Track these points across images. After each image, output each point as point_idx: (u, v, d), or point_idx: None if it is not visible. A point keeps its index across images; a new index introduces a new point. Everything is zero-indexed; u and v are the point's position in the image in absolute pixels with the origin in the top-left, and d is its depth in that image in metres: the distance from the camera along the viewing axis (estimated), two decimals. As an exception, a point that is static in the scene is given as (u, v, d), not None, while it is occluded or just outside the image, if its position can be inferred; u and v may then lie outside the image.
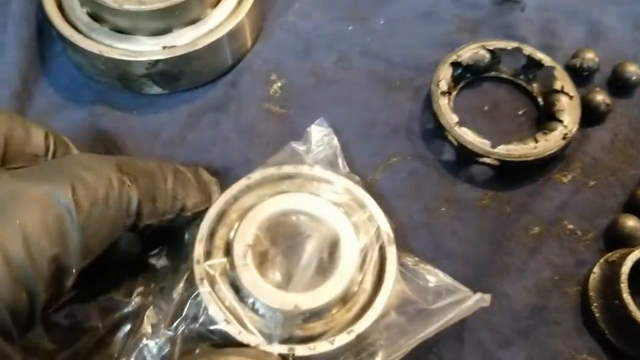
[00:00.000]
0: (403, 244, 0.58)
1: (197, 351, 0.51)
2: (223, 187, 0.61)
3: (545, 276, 0.59)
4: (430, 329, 0.49)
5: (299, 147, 0.61)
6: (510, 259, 0.60)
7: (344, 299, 0.52)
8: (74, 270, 0.40)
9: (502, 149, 0.63)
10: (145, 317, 0.52)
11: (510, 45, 0.71)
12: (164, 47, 0.66)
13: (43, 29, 0.74)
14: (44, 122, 0.66)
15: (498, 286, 0.58)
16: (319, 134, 0.62)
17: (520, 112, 0.71)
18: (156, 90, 0.70)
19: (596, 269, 0.59)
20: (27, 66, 0.70)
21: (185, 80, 0.70)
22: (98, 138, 0.67)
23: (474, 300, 0.50)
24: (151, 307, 0.53)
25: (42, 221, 0.38)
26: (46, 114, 0.69)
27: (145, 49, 0.66)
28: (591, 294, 0.57)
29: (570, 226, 0.62)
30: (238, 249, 0.52)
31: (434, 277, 0.54)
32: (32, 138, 0.48)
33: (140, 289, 0.54)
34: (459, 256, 0.60)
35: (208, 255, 0.53)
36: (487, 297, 0.50)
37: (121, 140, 0.67)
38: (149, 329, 0.52)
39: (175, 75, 0.68)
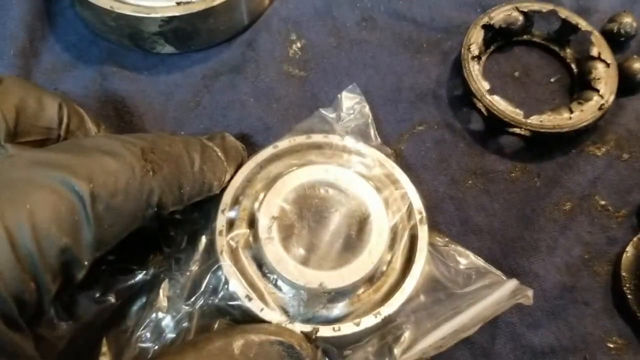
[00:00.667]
0: (428, 218, 0.56)
1: (215, 326, 0.49)
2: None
3: (575, 254, 0.57)
4: (464, 319, 0.47)
5: (329, 114, 0.58)
6: (540, 235, 0.58)
7: (372, 279, 0.49)
8: (85, 263, 0.37)
9: (535, 119, 0.60)
10: (160, 290, 0.50)
11: (545, 7, 0.67)
12: (179, 3, 0.62)
13: (49, -18, 0.70)
14: (51, 81, 0.64)
15: (527, 264, 0.56)
16: (350, 102, 0.58)
17: (552, 79, 0.67)
18: (168, 49, 0.66)
19: (629, 248, 0.56)
20: (33, 22, 0.66)
21: (199, 40, 0.66)
22: (108, 99, 0.64)
23: (510, 291, 0.48)
24: (167, 279, 0.51)
25: (54, 209, 0.35)
26: (53, 72, 0.65)
27: (159, 4, 0.62)
28: (623, 274, 0.55)
29: (602, 202, 0.60)
30: (263, 221, 0.50)
31: (465, 258, 0.52)
32: (45, 110, 0.45)
33: (155, 259, 0.52)
34: (486, 232, 0.58)
35: (230, 226, 0.50)
36: (530, 293, 0.48)
37: (132, 102, 0.64)
38: (165, 303, 0.50)
39: (189, 34, 0.64)
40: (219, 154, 0.51)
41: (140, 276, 0.51)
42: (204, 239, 0.51)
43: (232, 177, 0.52)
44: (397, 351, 0.48)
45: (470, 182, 0.61)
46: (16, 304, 0.34)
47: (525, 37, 0.69)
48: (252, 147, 0.60)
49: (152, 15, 0.61)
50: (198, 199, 0.47)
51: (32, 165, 0.37)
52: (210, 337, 0.42)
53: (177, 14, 0.62)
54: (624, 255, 0.56)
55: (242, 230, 0.50)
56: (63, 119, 0.46)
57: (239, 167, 0.53)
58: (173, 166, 0.44)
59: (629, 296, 0.54)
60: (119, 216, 0.39)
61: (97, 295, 0.50)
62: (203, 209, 0.53)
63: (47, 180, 0.36)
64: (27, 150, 0.39)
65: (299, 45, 0.68)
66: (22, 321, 0.35)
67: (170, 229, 0.53)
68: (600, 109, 0.61)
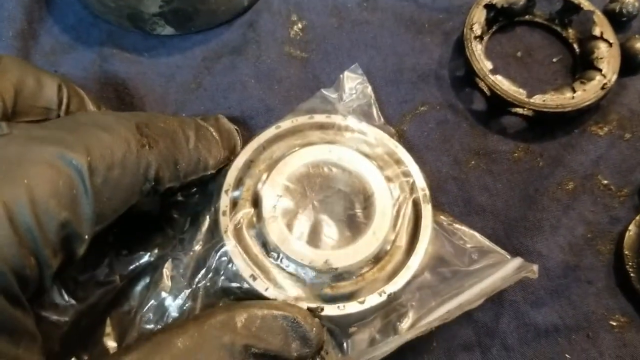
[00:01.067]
0: (431, 199, 0.56)
1: (219, 305, 0.49)
2: (242, 137, 0.58)
3: (578, 233, 0.57)
4: (469, 296, 0.46)
5: (330, 94, 0.58)
6: (543, 215, 0.57)
7: (376, 258, 0.49)
8: (86, 237, 0.37)
9: (538, 99, 0.60)
10: (164, 270, 0.50)
11: (547, -14, 0.67)
12: (178, -17, 0.61)
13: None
14: (50, 63, 0.63)
15: (530, 244, 0.56)
16: (353, 82, 0.58)
17: (554, 59, 0.67)
18: (168, 30, 0.66)
19: (632, 227, 0.57)
20: (31, 3, 0.66)
21: (199, 21, 0.65)
22: (108, 81, 0.64)
23: (515, 268, 0.48)
24: (170, 259, 0.51)
25: (52, 184, 0.35)
26: (52, 54, 0.65)
27: (158, -15, 0.61)
28: (626, 252, 0.55)
29: (605, 181, 0.60)
30: (267, 201, 0.50)
31: (470, 237, 0.51)
32: (44, 90, 0.44)
33: (158, 240, 0.52)
34: (490, 212, 0.58)
35: (234, 206, 0.50)
36: (535, 268, 0.48)
37: (132, 84, 0.64)
38: (168, 282, 0.50)
39: (190, 15, 0.64)
40: (214, 133, 0.51)
41: (144, 258, 0.51)
42: (207, 219, 0.51)
43: (228, 159, 0.51)
44: (401, 327, 0.48)
45: (473, 162, 0.60)
46: (17, 280, 0.34)
47: (527, 17, 0.69)
48: (253, 129, 0.60)
49: (152, -5, 0.61)
50: (194, 177, 0.47)
51: (28, 142, 0.37)
52: (212, 312, 0.42)
53: (177, -6, 0.61)
54: (627, 234, 0.56)
55: (246, 210, 0.50)
56: (63, 100, 0.46)
57: (233, 149, 0.53)
58: (168, 141, 0.44)
59: (631, 275, 0.54)
60: (117, 189, 0.39)
61: (101, 277, 0.50)
62: (205, 190, 0.53)
63: (44, 156, 0.36)
64: (23, 128, 0.39)
65: (300, 26, 0.67)
66: (24, 298, 0.35)
67: (173, 211, 0.54)
68: (602, 88, 0.61)
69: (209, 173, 0.49)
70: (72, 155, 0.36)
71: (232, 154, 0.52)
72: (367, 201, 0.51)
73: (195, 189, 0.54)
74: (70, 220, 0.36)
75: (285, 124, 0.54)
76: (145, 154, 0.41)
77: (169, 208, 0.53)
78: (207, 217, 0.51)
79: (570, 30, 0.68)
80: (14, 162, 0.35)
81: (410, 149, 0.58)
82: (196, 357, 0.38)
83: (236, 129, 0.54)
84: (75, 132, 0.39)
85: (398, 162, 0.54)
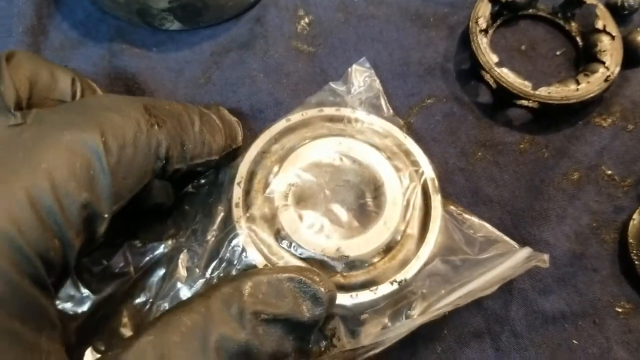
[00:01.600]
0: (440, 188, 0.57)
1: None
2: (251, 130, 0.59)
3: (583, 223, 0.58)
4: (479, 284, 0.47)
5: (339, 87, 0.59)
6: (550, 205, 0.58)
7: (387, 247, 0.50)
8: (106, 215, 0.38)
9: (543, 91, 0.61)
10: (179, 261, 0.51)
11: (551, -20, 0.68)
12: (187, -21, 0.62)
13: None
14: (60, 59, 0.64)
15: (537, 233, 0.57)
16: (361, 75, 0.59)
17: (558, 53, 0.68)
18: (177, 26, 0.66)
19: (635, 216, 0.58)
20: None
21: (207, 16, 0.66)
22: (118, 76, 0.64)
23: (524, 258, 0.48)
24: (185, 250, 0.51)
25: (70, 165, 0.36)
26: (62, 50, 0.65)
27: (168, -20, 0.62)
28: (630, 241, 0.56)
29: (609, 171, 0.61)
30: (279, 191, 0.51)
31: (480, 227, 0.52)
32: (58, 83, 0.45)
33: (171, 232, 0.53)
34: (497, 202, 0.59)
35: (246, 197, 0.51)
36: (546, 257, 0.49)
37: (142, 79, 0.64)
38: (184, 273, 0.51)
39: (198, 10, 0.65)
40: (217, 121, 0.51)
41: (158, 249, 0.52)
42: (220, 210, 0.52)
43: (230, 147, 0.51)
44: (412, 314, 0.49)
45: (479, 154, 0.61)
46: (42, 264, 0.34)
47: (530, 11, 0.70)
48: (263, 122, 0.61)
49: (161, -9, 0.61)
50: (199, 160, 0.47)
51: (42, 127, 0.37)
52: (218, 285, 0.41)
53: (186, -11, 0.62)
54: (631, 223, 0.57)
55: (258, 201, 0.51)
56: (77, 93, 0.46)
57: (234, 139, 0.53)
58: (175, 122, 0.45)
59: (636, 262, 0.55)
60: (130, 168, 0.40)
61: (116, 269, 0.51)
62: (216, 182, 0.54)
63: (59, 139, 0.37)
64: (36, 115, 0.39)
65: (307, 20, 0.68)
66: (49, 282, 0.35)
67: (185, 202, 0.54)
68: (606, 80, 0.62)
69: (213, 159, 0.49)
70: (86, 136, 0.37)
71: (234, 143, 0.52)
72: (378, 191, 0.52)
73: (204, 181, 0.55)
74: (90, 201, 0.37)
75: (296, 116, 0.55)
76: (155, 133, 0.42)
77: (180, 200, 0.54)
78: (219, 208, 0.52)
79: (573, 24, 0.69)
80: (30, 148, 0.36)
81: (417, 141, 0.59)
82: (205, 332, 0.38)
83: (237, 121, 0.55)
84: (87, 114, 0.39)
85: (407, 153, 0.55)
